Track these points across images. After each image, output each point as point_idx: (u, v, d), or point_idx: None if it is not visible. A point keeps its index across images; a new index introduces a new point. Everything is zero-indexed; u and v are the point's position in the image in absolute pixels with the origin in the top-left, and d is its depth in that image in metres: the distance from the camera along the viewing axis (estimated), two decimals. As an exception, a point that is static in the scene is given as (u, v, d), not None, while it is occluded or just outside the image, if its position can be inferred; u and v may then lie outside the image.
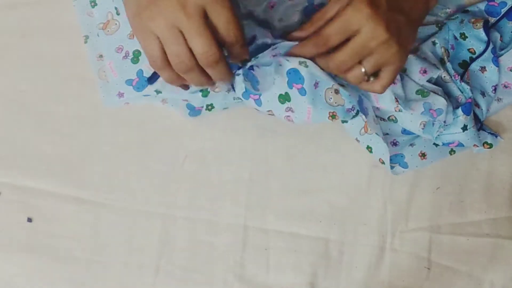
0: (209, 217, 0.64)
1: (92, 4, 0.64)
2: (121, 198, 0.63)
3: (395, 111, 0.60)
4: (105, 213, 0.63)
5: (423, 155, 0.64)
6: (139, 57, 0.62)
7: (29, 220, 0.63)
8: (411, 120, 0.60)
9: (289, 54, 0.55)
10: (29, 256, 0.62)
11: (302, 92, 0.55)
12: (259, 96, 0.57)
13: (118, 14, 0.63)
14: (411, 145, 0.64)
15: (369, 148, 0.63)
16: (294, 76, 0.55)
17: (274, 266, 0.64)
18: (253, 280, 0.63)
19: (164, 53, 0.48)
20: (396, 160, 0.63)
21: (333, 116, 0.56)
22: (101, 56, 0.64)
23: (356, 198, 0.65)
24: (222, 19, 0.47)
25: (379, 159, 0.63)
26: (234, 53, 0.51)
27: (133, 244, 0.63)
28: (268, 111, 0.58)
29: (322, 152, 0.65)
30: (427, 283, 0.64)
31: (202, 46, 0.47)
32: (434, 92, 0.60)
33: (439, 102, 0.59)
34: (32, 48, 0.65)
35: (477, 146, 0.63)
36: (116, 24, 0.63)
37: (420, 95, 0.60)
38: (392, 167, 0.63)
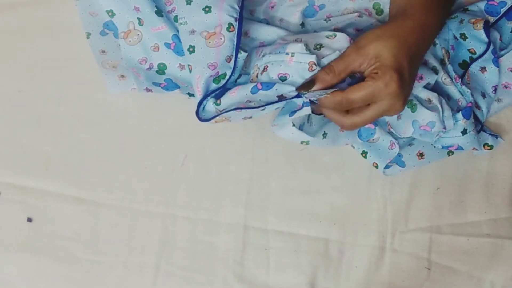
0: (209, 217, 0.64)
1: (110, 14, 0.62)
2: (121, 198, 0.63)
3: (388, 130, 0.62)
4: (105, 213, 0.63)
5: (421, 155, 0.64)
6: (165, 70, 0.62)
7: (29, 220, 0.63)
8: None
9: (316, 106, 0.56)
10: (29, 256, 0.62)
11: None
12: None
13: (141, 24, 0.61)
14: (410, 144, 0.64)
15: (363, 154, 0.64)
16: None
17: (274, 266, 0.63)
18: (253, 280, 0.63)
19: None
20: (393, 159, 0.63)
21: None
22: (103, 51, 0.64)
23: (356, 198, 0.65)
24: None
25: (373, 163, 0.64)
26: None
27: (133, 244, 0.63)
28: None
29: (322, 152, 0.65)
30: (427, 283, 0.64)
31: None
32: (422, 104, 0.59)
33: (427, 115, 0.58)
34: (32, 48, 0.65)
35: (477, 150, 0.63)
36: (138, 34, 0.62)
37: (410, 109, 0.59)
38: (388, 166, 0.63)
